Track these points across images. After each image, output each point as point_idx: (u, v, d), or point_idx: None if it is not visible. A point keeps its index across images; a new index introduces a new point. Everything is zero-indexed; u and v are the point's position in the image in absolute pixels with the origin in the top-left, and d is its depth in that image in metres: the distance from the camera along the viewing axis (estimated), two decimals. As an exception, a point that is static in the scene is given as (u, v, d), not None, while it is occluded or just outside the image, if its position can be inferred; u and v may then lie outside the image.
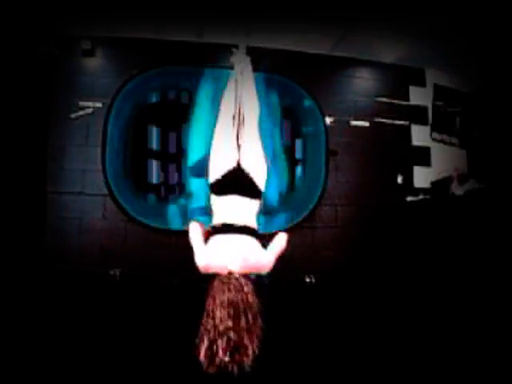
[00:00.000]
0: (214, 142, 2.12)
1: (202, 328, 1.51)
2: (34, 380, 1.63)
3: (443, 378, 1.77)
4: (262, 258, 1.82)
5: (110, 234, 3.57)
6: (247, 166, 1.97)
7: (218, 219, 1.88)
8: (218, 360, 1.43)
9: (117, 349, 1.98)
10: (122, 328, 2.30)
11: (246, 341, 1.47)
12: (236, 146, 2.04)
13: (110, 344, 2.04)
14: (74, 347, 1.97)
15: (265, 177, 2.05)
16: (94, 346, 2.01)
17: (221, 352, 1.43)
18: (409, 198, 3.89)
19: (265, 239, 1.99)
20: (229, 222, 1.83)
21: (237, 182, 1.93)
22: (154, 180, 3.67)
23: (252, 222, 1.89)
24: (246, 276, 1.67)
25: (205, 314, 1.54)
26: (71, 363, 1.78)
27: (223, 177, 1.93)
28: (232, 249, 1.75)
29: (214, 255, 1.76)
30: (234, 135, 2.07)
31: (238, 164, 1.97)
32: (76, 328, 2.25)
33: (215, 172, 1.98)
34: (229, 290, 1.58)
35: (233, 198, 1.89)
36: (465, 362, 1.92)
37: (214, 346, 1.44)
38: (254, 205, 1.94)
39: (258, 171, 2.01)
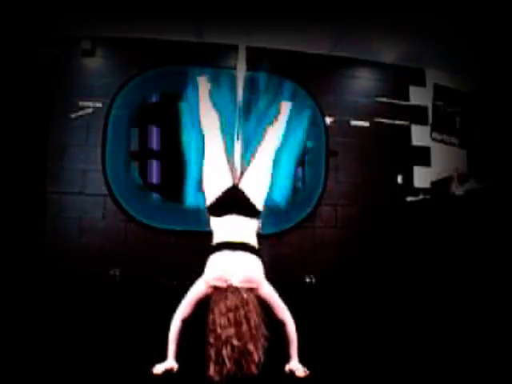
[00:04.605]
0: (206, 163, 2.07)
1: (207, 345, 1.47)
2: (33, 380, 1.63)
3: (443, 378, 1.77)
4: (262, 278, 1.78)
5: (110, 234, 3.57)
6: (245, 185, 1.96)
7: (217, 238, 1.86)
8: (225, 370, 1.40)
9: (117, 349, 1.97)
10: (122, 328, 2.30)
11: (251, 347, 1.44)
12: (230, 165, 2.04)
13: (110, 344, 2.04)
14: (73, 347, 1.97)
15: (265, 195, 2.01)
16: (94, 346, 2.01)
17: (227, 362, 1.40)
18: (409, 198, 3.88)
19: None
20: (228, 240, 1.81)
21: (234, 202, 1.90)
22: (154, 180, 3.68)
23: (252, 240, 1.86)
24: (247, 289, 1.65)
25: (207, 329, 1.51)
26: (71, 363, 1.78)
27: (219, 198, 1.91)
28: (232, 264, 1.73)
29: (214, 270, 1.74)
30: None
31: (235, 183, 1.97)
32: (76, 328, 2.25)
33: (210, 194, 1.96)
34: (226, 297, 1.56)
35: (231, 218, 1.86)
36: (465, 361, 1.92)
37: (220, 357, 1.41)
38: (252, 223, 1.91)
39: (258, 191, 1.97)
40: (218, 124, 2.17)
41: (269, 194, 2.06)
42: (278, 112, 2.30)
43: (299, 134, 2.32)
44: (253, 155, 2.10)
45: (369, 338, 2.27)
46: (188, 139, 2.19)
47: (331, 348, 2.08)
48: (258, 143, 2.14)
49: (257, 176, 2.03)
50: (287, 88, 2.44)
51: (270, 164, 2.09)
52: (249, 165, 2.07)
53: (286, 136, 2.22)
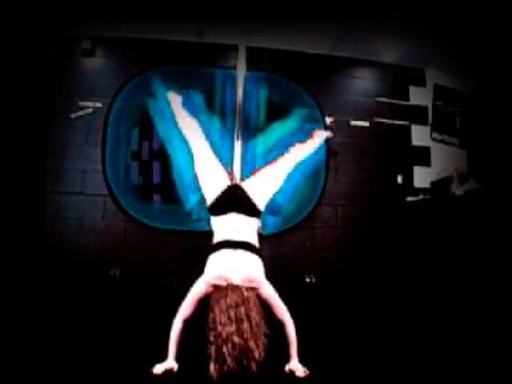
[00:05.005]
0: (197, 167, 2.11)
1: (207, 344, 1.47)
2: (34, 380, 1.63)
3: (443, 378, 1.77)
4: (262, 277, 1.78)
5: (110, 234, 3.57)
6: (248, 185, 1.98)
7: (217, 237, 1.87)
8: (226, 368, 1.39)
9: (117, 349, 1.98)
10: (122, 328, 2.30)
11: (252, 344, 1.43)
12: (223, 165, 2.09)
13: (110, 344, 2.04)
14: (73, 347, 1.97)
15: (268, 199, 2.03)
16: (94, 346, 2.01)
17: (228, 359, 1.39)
18: (409, 198, 3.89)
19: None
20: (228, 238, 1.81)
21: (234, 200, 1.91)
22: (155, 180, 3.67)
23: (252, 239, 1.86)
24: (248, 288, 1.65)
25: (207, 327, 1.51)
26: (71, 363, 1.78)
27: (219, 197, 1.92)
28: (232, 263, 1.73)
29: (215, 269, 1.75)
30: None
31: (235, 182, 1.98)
32: (76, 328, 2.25)
33: (210, 194, 1.97)
34: (226, 295, 1.57)
35: (231, 216, 1.87)
36: (464, 361, 1.92)
37: (221, 355, 1.41)
38: (252, 222, 1.92)
39: (261, 193, 1.98)
40: (198, 129, 2.22)
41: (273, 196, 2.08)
42: (311, 136, 2.39)
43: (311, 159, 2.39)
44: (270, 162, 2.15)
45: (369, 338, 2.27)
46: (173, 145, 2.24)
47: (331, 348, 2.08)
48: (281, 153, 2.19)
49: (266, 181, 2.05)
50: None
51: (284, 177, 2.12)
52: (255, 168, 2.10)
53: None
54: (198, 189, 2.10)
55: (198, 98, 2.64)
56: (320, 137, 2.45)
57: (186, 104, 2.33)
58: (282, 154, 2.20)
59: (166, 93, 2.45)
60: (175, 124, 2.30)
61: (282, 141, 2.47)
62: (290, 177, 2.17)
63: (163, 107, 2.38)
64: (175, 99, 2.37)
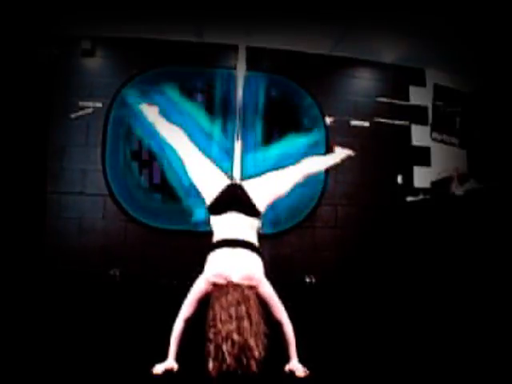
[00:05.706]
0: (190, 171, 2.08)
1: (207, 341, 1.45)
2: (33, 380, 1.63)
3: (443, 378, 1.77)
4: (261, 276, 1.77)
5: (110, 234, 3.57)
6: (250, 185, 1.97)
7: (217, 236, 1.86)
8: (225, 366, 1.38)
9: (117, 349, 1.98)
10: (122, 328, 2.30)
11: (251, 342, 1.42)
12: (222, 169, 2.08)
13: (110, 344, 2.04)
14: (73, 347, 1.97)
15: (268, 202, 2.00)
16: (94, 346, 2.01)
17: (228, 358, 1.38)
18: (409, 198, 3.88)
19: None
20: (228, 237, 1.81)
21: (234, 199, 1.90)
22: (155, 180, 3.67)
23: (252, 238, 1.85)
24: (248, 286, 1.65)
25: (206, 325, 1.50)
26: (71, 363, 1.78)
27: (219, 196, 1.92)
28: (231, 261, 1.73)
29: (214, 268, 1.74)
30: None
31: (235, 182, 1.98)
32: (76, 328, 2.25)
33: (209, 194, 1.96)
34: (227, 292, 1.56)
35: (231, 215, 1.86)
36: (464, 361, 1.92)
37: (220, 353, 1.40)
38: (252, 222, 1.90)
39: (263, 194, 1.96)
40: (183, 135, 2.18)
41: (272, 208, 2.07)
42: (330, 151, 2.42)
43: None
44: (281, 167, 2.13)
45: (369, 338, 2.27)
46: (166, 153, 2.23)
47: (331, 348, 2.08)
48: (295, 162, 2.18)
49: (269, 184, 2.03)
50: None
51: (291, 185, 2.09)
52: (260, 171, 2.10)
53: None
54: (197, 192, 2.10)
55: (175, 94, 2.64)
56: (341, 155, 2.43)
57: (170, 108, 2.29)
58: (293, 163, 2.17)
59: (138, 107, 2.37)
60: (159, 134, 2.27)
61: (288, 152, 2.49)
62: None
63: (143, 121, 2.34)
64: (151, 110, 2.30)
